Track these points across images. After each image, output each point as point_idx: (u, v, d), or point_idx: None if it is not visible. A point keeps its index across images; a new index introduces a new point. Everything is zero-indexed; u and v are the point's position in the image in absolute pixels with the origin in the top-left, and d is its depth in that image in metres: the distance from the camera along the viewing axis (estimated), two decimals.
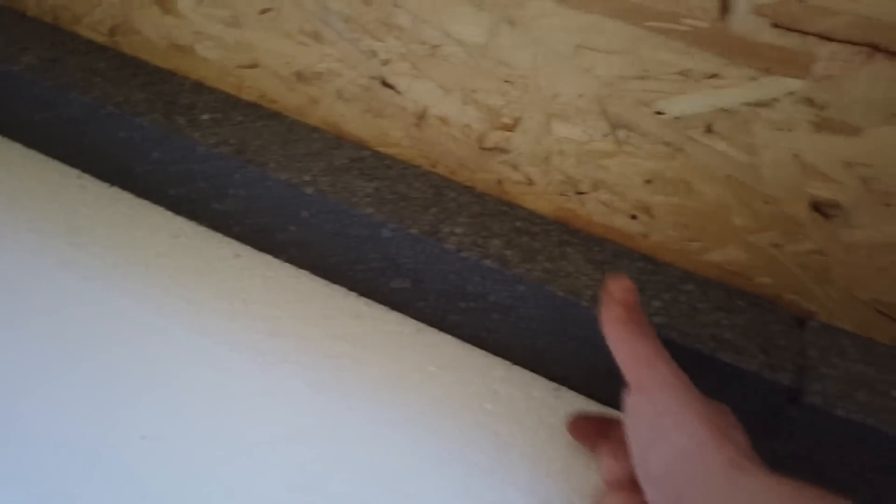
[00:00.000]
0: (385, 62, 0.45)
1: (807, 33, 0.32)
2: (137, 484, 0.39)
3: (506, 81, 0.41)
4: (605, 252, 0.45)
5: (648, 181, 0.41)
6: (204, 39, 0.51)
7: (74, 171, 0.57)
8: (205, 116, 0.51)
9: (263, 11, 0.46)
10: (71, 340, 0.46)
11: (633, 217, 0.44)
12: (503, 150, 0.45)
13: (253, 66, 0.50)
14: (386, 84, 0.46)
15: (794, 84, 0.34)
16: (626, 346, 0.35)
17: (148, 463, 0.40)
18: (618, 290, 0.36)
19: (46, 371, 0.44)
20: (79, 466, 0.40)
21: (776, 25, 0.32)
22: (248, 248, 0.53)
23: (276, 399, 0.44)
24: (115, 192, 0.56)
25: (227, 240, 0.54)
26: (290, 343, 0.47)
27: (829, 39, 0.32)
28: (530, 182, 0.46)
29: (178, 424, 0.42)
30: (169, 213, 0.55)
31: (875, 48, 0.31)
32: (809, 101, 0.34)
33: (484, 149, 0.46)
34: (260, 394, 0.44)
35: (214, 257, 0.52)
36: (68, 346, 0.45)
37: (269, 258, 0.53)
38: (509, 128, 0.44)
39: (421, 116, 0.46)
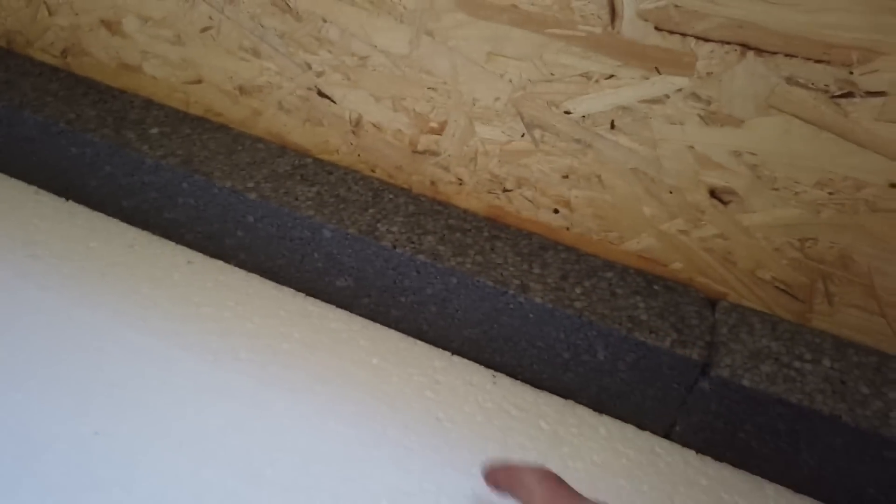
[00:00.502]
0: (319, 74, 0.47)
1: (686, 35, 0.35)
2: (90, 477, 0.41)
3: (430, 88, 0.44)
4: (532, 245, 0.48)
5: (565, 177, 0.45)
6: (150, 58, 0.53)
7: (32, 188, 0.59)
8: (154, 130, 0.53)
9: (204, 30, 0.49)
10: (28, 346, 0.48)
11: (556, 211, 0.47)
12: (434, 153, 0.48)
13: (198, 81, 0.53)
14: (322, 94, 0.49)
15: (682, 81, 0.37)
16: None
17: (101, 457, 0.43)
18: None
19: (4, 374, 0.46)
20: (34, 461, 0.42)
21: (659, 28, 0.36)
22: (200, 254, 0.56)
23: (225, 394, 0.46)
24: (71, 205, 0.58)
25: (179, 247, 0.56)
26: (241, 342, 0.50)
27: (707, 40, 0.35)
28: (461, 182, 0.49)
29: (132, 421, 0.44)
30: (123, 224, 0.57)
31: (746, 46, 0.35)
32: (696, 97, 0.37)
33: (416, 152, 0.49)
34: (211, 390, 0.47)
35: (168, 264, 0.55)
36: (26, 351, 0.47)
37: (220, 263, 0.55)
38: (437, 132, 0.47)
39: (357, 124, 0.49)
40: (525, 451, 0.46)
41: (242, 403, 0.46)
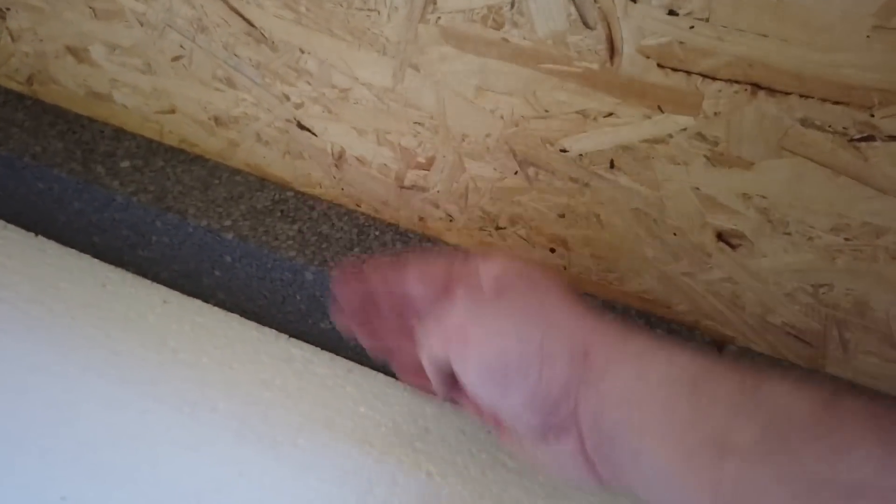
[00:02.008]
0: (298, 105, 0.45)
1: (691, 73, 0.32)
2: None
3: (416, 123, 0.41)
4: None
5: (562, 215, 0.42)
6: (120, 87, 0.50)
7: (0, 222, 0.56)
8: (125, 164, 0.50)
9: (175, 59, 0.46)
10: None
11: (552, 250, 0.44)
12: (421, 189, 0.45)
13: (171, 111, 0.50)
14: (302, 126, 0.46)
15: (686, 121, 0.34)
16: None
17: None
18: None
19: None
20: None
21: (662, 66, 0.33)
22: (177, 293, 0.53)
23: (202, 451, 0.44)
24: (41, 241, 0.55)
25: (155, 286, 0.53)
26: (219, 391, 0.47)
27: (714, 78, 0.32)
28: (451, 218, 0.46)
29: (101, 482, 0.42)
30: (96, 261, 0.54)
31: (757, 86, 0.32)
32: (702, 137, 0.35)
33: (403, 187, 0.46)
34: (186, 446, 0.44)
35: (142, 304, 0.52)
36: None
37: (198, 303, 0.52)
38: (425, 167, 0.44)
39: (339, 157, 0.46)
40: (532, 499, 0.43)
41: (220, 461, 0.43)
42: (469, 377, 0.29)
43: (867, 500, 0.20)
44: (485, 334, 0.29)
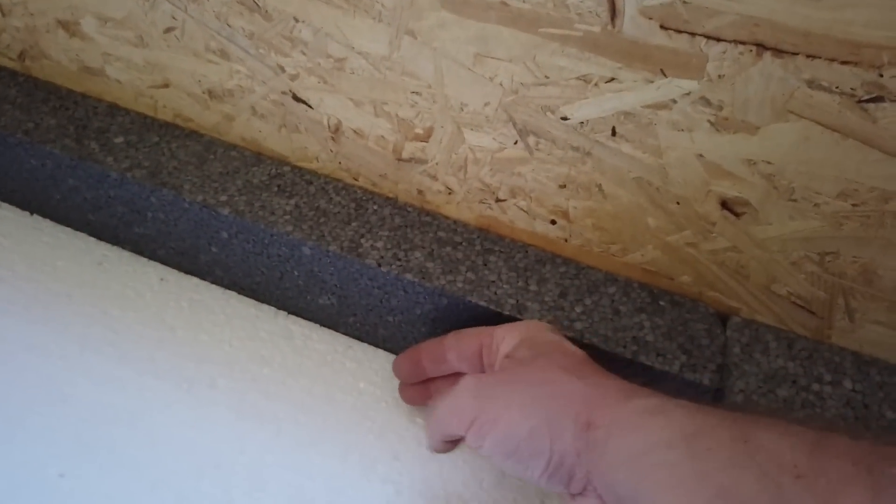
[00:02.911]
0: (293, 77, 0.44)
1: (695, 34, 0.32)
2: None
3: (413, 92, 0.41)
4: (528, 258, 0.45)
5: (563, 186, 0.41)
6: (113, 61, 0.49)
7: None
8: (118, 139, 0.49)
9: (167, 31, 0.45)
10: None
11: (553, 222, 0.43)
12: (420, 161, 0.44)
13: (165, 85, 0.49)
14: (298, 99, 0.45)
15: (690, 85, 0.33)
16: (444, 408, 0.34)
17: (68, 502, 0.39)
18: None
19: None
20: None
21: (664, 27, 0.32)
22: (174, 270, 0.52)
23: (201, 428, 0.43)
24: (36, 220, 0.55)
25: (152, 263, 0.53)
26: (218, 368, 0.46)
27: (718, 39, 0.31)
28: (450, 191, 0.45)
29: (99, 460, 0.41)
30: (92, 240, 0.54)
31: (762, 47, 0.31)
32: (706, 102, 0.34)
33: (401, 160, 0.45)
34: (185, 423, 0.43)
35: (140, 282, 0.51)
36: None
37: (195, 280, 0.52)
38: (423, 138, 0.43)
39: (336, 130, 0.45)
40: (523, 482, 0.43)
41: (220, 438, 0.43)
42: (487, 453, 0.31)
43: None
44: (495, 413, 0.31)
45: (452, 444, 0.35)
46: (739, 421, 0.26)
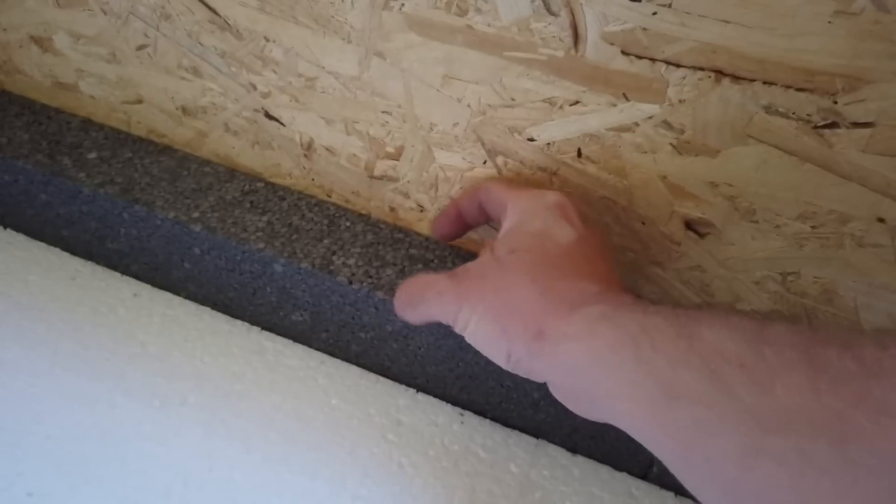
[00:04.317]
0: (265, 95, 0.44)
1: (655, 60, 0.32)
2: None
3: (384, 112, 0.41)
4: None
5: None
6: (86, 76, 0.49)
7: None
8: (91, 155, 0.49)
9: (140, 48, 0.45)
10: None
11: None
12: (392, 178, 0.45)
13: (138, 101, 0.49)
14: (270, 116, 0.45)
15: (652, 109, 0.34)
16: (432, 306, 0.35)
17: None
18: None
19: None
20: None
21: (626, 53, 0.32)
22: (147, 286, 0.52)
23: (171, 445, 0.43)
24: (9, 234, 0.54)
25: (125, 278, 0.52)
26: (189, 384, 0.46)
27: (678, 65, 0.32)
28: (422, 209, 0.46)
29: (68, 478, 0.41)
30: (65, 254, 0.53)
31: (721, 73, 0.32)
32: (668, 125, 0.34)
33: (373, 177, 0.45)
34: (155, 440, 0.43)
35: (112, 297, 0.51)
36: None
37: (168, 295, 0.52)
38: (394, 157, 0.43)
39: (309, 147, 0.46)
40: (494, 497, 0.43)
41: (190, 455, 0.43)
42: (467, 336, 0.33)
43: (802, 424, 0.21)
44: (466, 318, 0.33)
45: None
46: (683, 318, 0.26)
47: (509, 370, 0.32)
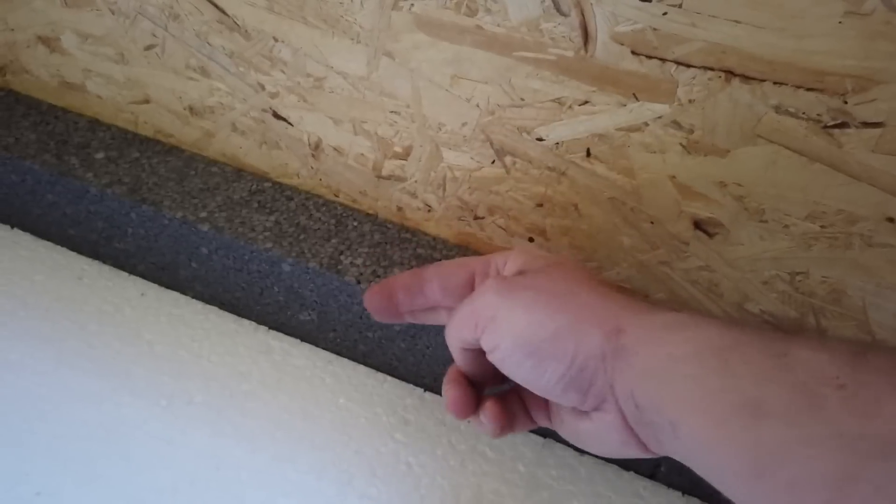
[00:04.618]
0: (274, 95, 0.44)
1: (665, 60, 0.32)
2: None
3: (392, 112, 0.41)
4: None
5: (539, 205, 0.42)
6: (94, 77, 0.49)
7: None
8: (99, 155, 0.49)
9: (148, 48, 0.45)
10: None
11: (531, 239, 0.44)
12: (399, 178, 0.45)
13: (145, 101, 0.49)
14: (278, 116, 0.45)
15: (661, 109, 0.34)
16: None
17: None
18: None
19: None
20: None
21: (636, 53, 0.32)
22: (154, 285, 0.52)
23: (178, 444, 0.43)
24: (16, 233, 0.55)
25: (132, 278, 0.53)
26: (196, 384, 0.46)
27: (687, 65, 0.32)
28: (429, 208, 0.46)
29: (76, 478, 0.41)
30: (71, 254, 0.54)
31: (731, 73, 0.32)
32: (677, 125, 0.34)
33: (381, 177, 0.45)
34: (161, 440, 0.43)
35: (119, 297, 0.51)
36: None
37: (175, 295, 0.52)
38: (402, 156, 0.43)
39: (316, 147, 0.46)
40: (501, 497, 0.43)
41: (197, 454, 0.43)
42: (502, 355, 0.29)
43: None
44: (517, 312, 0.29)
45: (473, 356, 0.32)
46: (774, 337, 0.25)
47: (559, 387, 0.28)
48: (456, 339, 0.32)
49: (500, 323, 0.29)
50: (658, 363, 0.26)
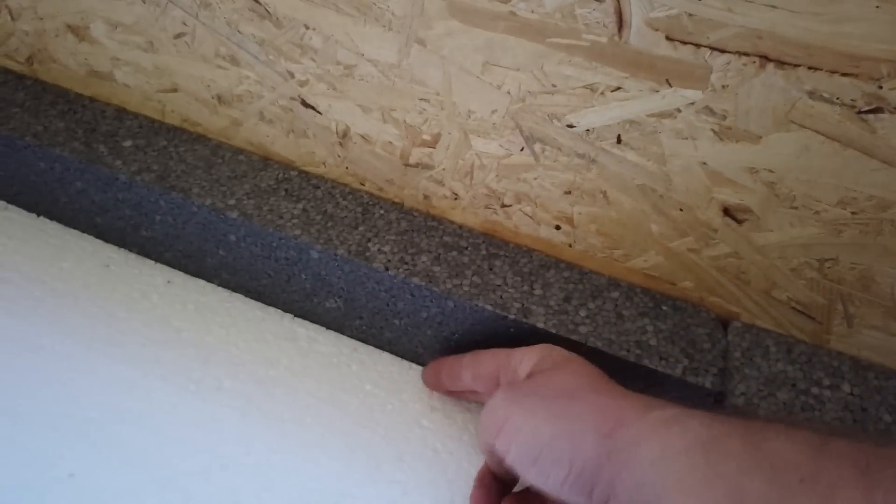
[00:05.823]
0: (303, 83, 0.44)
1: (699, 45, 0.32)
2: None
3: (421, 99, 0.41)
4: (533, 263, 0.45)
5: (568, 192, 0.42)
6: (122, 65, 0.50)
7: (0, 203, 0.56)
8: (127, 143, 0.50)
9: (177, 36, 0.46)
10: None
11: (557, 227, 0.44)
12: (427, 166, 0.45)
13: (173, 90, 0.50)
14: (306, 104, 0.46)
15: (694, 94, 0.34)
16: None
17: (77, 502, 0.40)
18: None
19: None
20: None
21: (670, 39, 0.33)
22: (180, 273, 0.53)
23: (207, 428, 0.44)
24: (42, 222, 0.55)
25: (158, 266, 0.53)
26: (224, 369, 0.47)
27: (722, 51, 0.32)
28: (456, 196, 0.46)
29: (108, 460, 0.42)
30: (98, 242, 0.54)
31: (765, 58, 0.32)
32: (710, 111, 0.35)
33: (408, 165, 0.46)
34: (192, 424, 0.44)
35: (146, 285, 0.52)
36: None
37: (201, 283, 0.52)
38: (430, 144, 0.44)
39: (344, 135, 0.46)
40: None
41: (226, 439, 0.43)
42: (512, 463, 0.33)
43: None
44: (520, 419, 0.33)
45: (497, 458, 0.35)
46: (750, 428, 0.28)
47: (566, 489, 0.31)
48: (481, 443, 0.36)
49: (508, 430, 0.33)
50: (651, 458, 0.29)
